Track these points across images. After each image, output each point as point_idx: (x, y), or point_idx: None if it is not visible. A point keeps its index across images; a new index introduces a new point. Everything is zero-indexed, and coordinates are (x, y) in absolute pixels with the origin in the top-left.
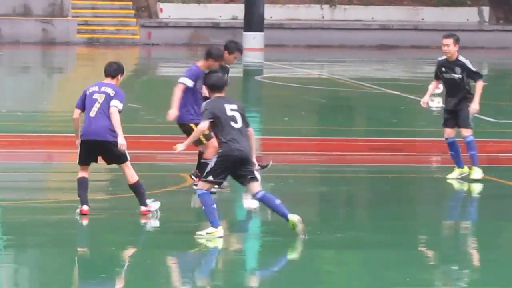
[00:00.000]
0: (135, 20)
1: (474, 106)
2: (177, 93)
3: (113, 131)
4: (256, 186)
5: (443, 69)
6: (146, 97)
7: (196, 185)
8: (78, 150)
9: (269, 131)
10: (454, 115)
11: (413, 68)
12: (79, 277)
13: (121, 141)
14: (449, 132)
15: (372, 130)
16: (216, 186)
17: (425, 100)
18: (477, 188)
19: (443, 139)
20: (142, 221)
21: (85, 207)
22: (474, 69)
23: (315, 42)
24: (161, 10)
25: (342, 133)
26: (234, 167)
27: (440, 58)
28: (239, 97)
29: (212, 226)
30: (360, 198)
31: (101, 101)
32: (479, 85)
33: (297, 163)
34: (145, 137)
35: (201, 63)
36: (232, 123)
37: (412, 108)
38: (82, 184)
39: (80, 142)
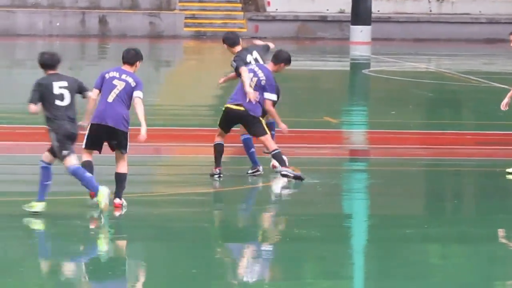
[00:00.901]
0: (242, 13)
1: None
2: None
3: (126, 121)
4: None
5: None
6: None
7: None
8: (87, 133)
9: (376, 124)
10: None
11: None
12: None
13: (143, 132)
14: None
15: (479, 124)
16: (250, 171)
17: (504, 102)
18: None
19: None
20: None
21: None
22: None
23: (422, 35)
24: (269, 3)
25: (449, 127)
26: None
27: None
28: (346, 90)
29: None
30: (467, 192)
31: (120, 89)
32: None
33: (404, 156)
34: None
35: (272, 67)
36: (57, 102)
37: None
38: (90, 167)
39: (90, 124)
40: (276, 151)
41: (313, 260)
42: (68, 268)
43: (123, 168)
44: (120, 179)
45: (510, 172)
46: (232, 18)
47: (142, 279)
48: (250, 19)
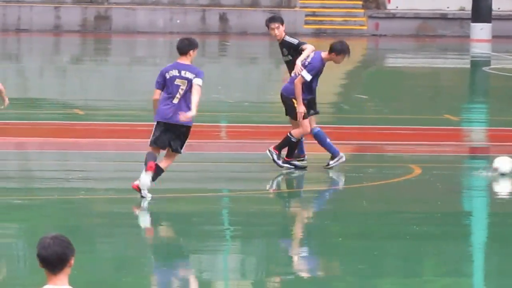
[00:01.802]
0: (362, 11)
1: None
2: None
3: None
4: None
5: None
6: (373, 88)
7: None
8: (154, 131)
9: (497, 122)
10: None
11: None
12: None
13: (191, 114)
14: None
15: None
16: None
17: None
18: None
19: None
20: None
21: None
22: None
23: None
24: (389, 1)
25: None
26: None
27: None
28: (466, 88)
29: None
30: None
31: (184, 88)
32: None
33: None
34: (373, 128)
35: (324, 55)
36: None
37: None
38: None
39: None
40: (294, 139)
41: (433, 258)
42: (186, 266)
43: (167, 165)
44: (158, 172)
45: None
46: (352, 16)
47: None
48: (371, 17)
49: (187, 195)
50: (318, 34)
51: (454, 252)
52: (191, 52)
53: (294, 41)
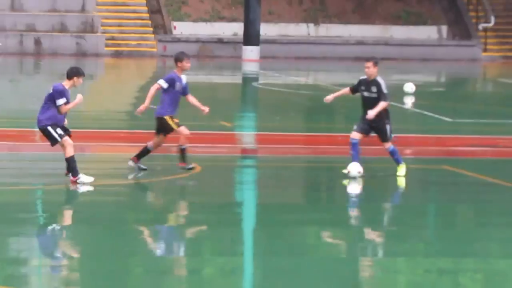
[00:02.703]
0: (153, 35)
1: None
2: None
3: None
4: None
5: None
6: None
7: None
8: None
9: (264, 128)
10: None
11: (383, 76)
12: None
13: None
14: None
15: (349, 127)
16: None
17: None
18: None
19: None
20: None
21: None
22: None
23: (302, 54)
24: (175, 27)
25: (324, 129)
26: None
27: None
28: (238, 99)
29: None
30: (337, 185)
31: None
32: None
33: (286, 154)
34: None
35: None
36: None
37: None
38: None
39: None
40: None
41: (207, 240)
42: None
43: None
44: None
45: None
46: (144, 39)
47: None
48: (160, 40)
49: (4, 188)
50: (116, 55)
51: (226, 236)
52: (75, 78)
53: None
